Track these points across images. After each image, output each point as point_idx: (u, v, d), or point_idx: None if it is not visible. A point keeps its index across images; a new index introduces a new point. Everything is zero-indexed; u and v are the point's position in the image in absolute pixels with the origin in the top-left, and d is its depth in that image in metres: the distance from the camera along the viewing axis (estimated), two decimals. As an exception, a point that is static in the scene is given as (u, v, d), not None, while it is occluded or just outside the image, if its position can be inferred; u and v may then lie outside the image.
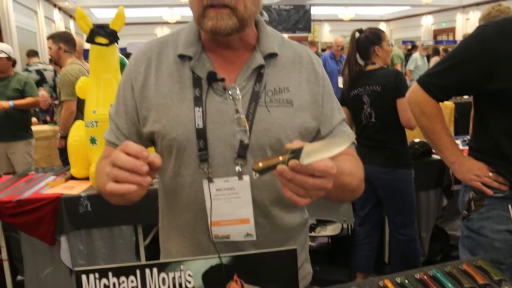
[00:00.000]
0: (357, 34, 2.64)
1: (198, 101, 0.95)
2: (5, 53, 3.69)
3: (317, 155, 0.72)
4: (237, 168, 0.95)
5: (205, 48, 0.99)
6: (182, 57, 0.98)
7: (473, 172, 1.53)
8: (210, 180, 0.95)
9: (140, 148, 0.74)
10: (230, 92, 0.95)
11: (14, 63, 3.86)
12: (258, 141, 0.95)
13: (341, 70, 2.84)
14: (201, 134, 0.94)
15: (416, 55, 9.02)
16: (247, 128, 0.94)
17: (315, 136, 1.04)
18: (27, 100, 3.79)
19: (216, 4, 0.88)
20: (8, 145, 3.83)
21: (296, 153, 0.73)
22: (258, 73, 0.98)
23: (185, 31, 1.01)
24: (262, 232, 0.99)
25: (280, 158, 0.74)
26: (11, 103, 3.67)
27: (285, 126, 0.97)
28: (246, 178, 0.95)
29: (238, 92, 0.95)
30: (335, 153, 0.73)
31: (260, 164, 0.77)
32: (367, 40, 2.60)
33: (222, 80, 0.96)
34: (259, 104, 0.96)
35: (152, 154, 0.76)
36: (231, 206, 0.96)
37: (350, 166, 0.97)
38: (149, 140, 1.03)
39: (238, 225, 0.97)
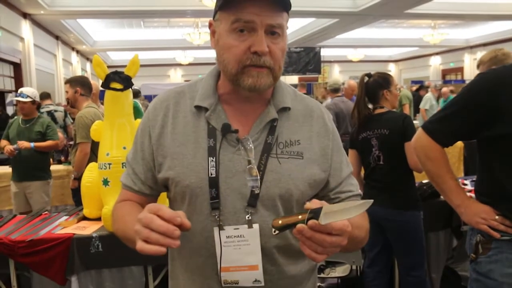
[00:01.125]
0: (366, 78, 2.71)
1: (212, 151, 0.99)
2: (30, 97, 3.87)
3: (336, 216, 0.78)
4: (247, 216, 0.98)
5: (220, 100, 1.05)
6: (198, 108, 1.04)
7: (479, 215, 1.54)
8: (220, 227, 0.99)
9: (174, 214, 0.80)
10: (243, 143, 1.00)
11: (38, 106, 4.04)
12: (268, 191, 0.99)
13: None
14: (214, 183, 0.98)
15: (429, 95, 9.21)
16: (259, 178, 0.98)
17: (324, 187, 1.08)
18: (48, 143, 3.95)
19: (259, 64, 0.95)
20: (27, 184, 3.94)
21: (315, 213, 0.78)
22: (271, 126, 1.03)
23: (202, 83, 1.07)
24: (270, 278, 1.02)
25: (300, 217, 0.80)
26: (32, 144, 3.81)
27: (295, 177, 1.01)
28: (256, 226, 0.99)
29: (251, 144, 1.00)
30: (352, 216, 0.79)
31: (280, 222, 0.83)
32: (376, 84, 2.67)
33: (236, 131, 1.01)
34: (271, 156, 1.01)
35: (181, 215, 0.81)
36: (240, 253, 0.99)
37: (358, 219, 1.00)
38: (163, 186, 1.08)
39: (247, 271, 1.00)
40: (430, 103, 8.95)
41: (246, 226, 0.98)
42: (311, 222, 0.78)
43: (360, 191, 1.15)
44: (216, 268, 1.00)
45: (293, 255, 1.06)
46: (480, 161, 1.62)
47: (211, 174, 0.98)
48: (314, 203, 0.81)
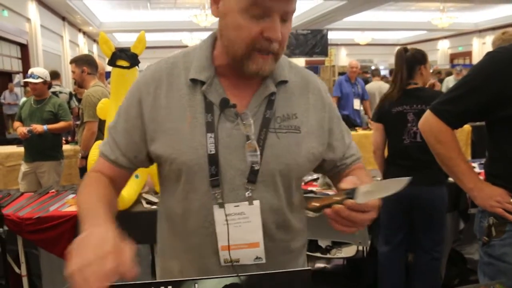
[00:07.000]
0: (403, 53, 2.62)
1: (210, 126, 0.95)
2: (41, 78, 3.85)
3: (372, 195, 0.82)
4: (247, 193, 0.96)
5: (217, 73, 0.99)
6: (194, 81, 0.97)
7: (493, 198, 1.49)
8: (221, 205, 0.96)
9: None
10: (242, 118, 0.96)
11: (49, 86, 4.02)
12: (268, 166, 0.96)
13: (356, 92, 2.83)
14: (213, 160, 0.94)
15: (450, 78, 9.22)
16: (259, 153, 0.95)
17: (332, 157, 1.08)
18: (60, 124, 3.91)
19: (267, 50, 0.91)
20: (40, 164, 3.94)
21: (351, 193, 0.82)
22: (269, 100, 0.99)
23: (196, 54, 1.00)
24: (268, 255, 1.00)
25: (336, 198, 0.83)
26: (45, 127, 3.79)
27: (294, 152, 0.98)
28: (256, 203, 0.96)
29: (250, 118, 0.96)
30: (388, 195, 0.82)
31: (318, 204, 0.85)
32: (414, 59, 2.60)
33: (234, 106, 0.96)
34: (269, 131, 0.97)
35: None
36: (241, 231, 0.97)
37: (367, 181, 1.01)
38: (149, 161, 1.03)
39: (248, 249, 0.98)
40: (447, 86, 8.88)
41: (246, 203, 0.96)
42: (349, 202, 0.81)
43: (360, 154, 1.14)
44: (214, 248, 0.98)
45: (289, 231, 1.04)
46: (491, 143, 1.57)
47: (210, 151, 0.94)
48: (348, 183, 0.84)
